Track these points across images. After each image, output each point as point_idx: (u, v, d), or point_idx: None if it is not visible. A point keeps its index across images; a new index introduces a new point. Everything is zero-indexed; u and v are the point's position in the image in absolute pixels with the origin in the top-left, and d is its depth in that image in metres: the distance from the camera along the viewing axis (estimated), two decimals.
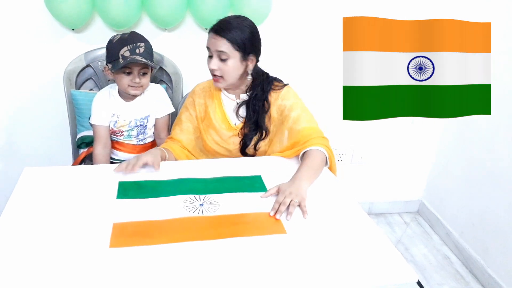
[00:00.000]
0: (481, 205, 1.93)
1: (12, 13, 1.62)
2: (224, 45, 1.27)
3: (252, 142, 1.41)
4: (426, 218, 2.37)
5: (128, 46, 1.35)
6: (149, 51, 1.40)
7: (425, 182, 2.38)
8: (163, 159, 1.33)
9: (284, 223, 1.03)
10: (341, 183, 1.27)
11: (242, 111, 1.42)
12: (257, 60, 1.37)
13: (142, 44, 1.38)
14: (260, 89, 1.38)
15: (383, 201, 2.40)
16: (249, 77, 1.37)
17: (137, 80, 1.39)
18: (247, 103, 1.40)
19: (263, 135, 1.41)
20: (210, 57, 1.32)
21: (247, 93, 1.41)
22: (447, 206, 2.20)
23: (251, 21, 1.33)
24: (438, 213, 2.27)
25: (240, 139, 1.42)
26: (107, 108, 1.47)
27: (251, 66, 1.35)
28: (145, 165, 1.24)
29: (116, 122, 1.47)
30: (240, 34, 1.27)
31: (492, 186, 1.86)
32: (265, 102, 1.40)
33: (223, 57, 1.28)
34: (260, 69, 1.42)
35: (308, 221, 1.05)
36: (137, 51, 1.36)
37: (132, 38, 1.37)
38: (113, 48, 1.37)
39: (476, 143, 1.96)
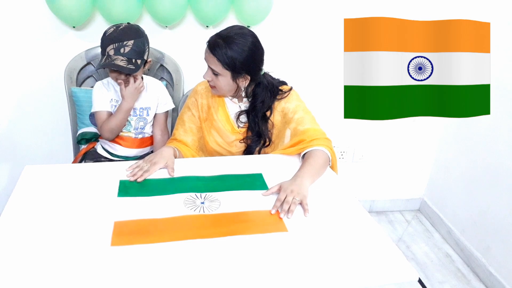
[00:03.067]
0: (483, 203, 1.92)
1: (13, 11, 1.62)
2: (214, 63, 1.26)
3: (256, 150, 1.42)
4: (427, 216, 2.37)
5: (114, 44, 1.34)
6: (137, 49, 1.37)
7: (427, 180, 2.38)
8: (175, 157, 1.32)
9: (285, 221, 1.03)
10: (342, 181, 1.26)
11: (243, 118, 1.42)
12: (254, 79, 1.33)
13: (130, 43, 1.35)
14: (261, 101, 1.36)
15: (385, 199, 2.40)
16: (242, 91, 1.35)
17: (123, 77, 1.40)
18: (247, 113, 1.39)
19: (266, 143, 1.41)
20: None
21: (249, 99, 1.40)
22: (448, 204, 2.20)
23: (252, 38, 1.27)
24: (440, 211, 2.26)
25: (243, 144, 1.42)
26: (107, 95, 1.48)
27: (244, 84, 1.33)
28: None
29: (115, 106, 1.48)
30: (232, 54, 1.23)
31: (493, 184, 1.85)
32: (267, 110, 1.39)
33: (215, 72, 1.29)
34: (265, 82, 1.36)
35: (309, 219, 1.05)
36: (122, 50, 1.34)
37: (121, 36, 1.35)
38: (103, 42, 1.37)
39: (477, 141, 1.95)
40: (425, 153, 2.29)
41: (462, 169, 2.08)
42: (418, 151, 2.28)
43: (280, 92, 1.39)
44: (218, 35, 1.26)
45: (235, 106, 1.42)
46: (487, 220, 1.89)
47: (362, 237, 0.99)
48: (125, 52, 1.34)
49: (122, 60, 1.34)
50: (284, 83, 1.44)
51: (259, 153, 1.42)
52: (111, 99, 1.48)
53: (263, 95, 1.36)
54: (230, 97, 1.42)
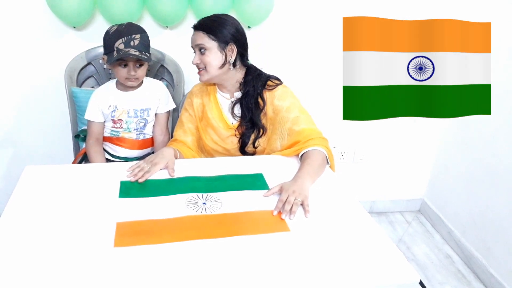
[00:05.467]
0: (483, 204, 1.92)
1: (14, 11, 1.62)
2: (200, 38, 1.31)
3: (250, 141, 1.41)
4: (428, 217, 2.37)
5: (123, 38, 1.35)
6: (144, 43, 1.40)
7: (427, 181, 2.38)
8: (176, 158, 1.33)
9: (287, 221, 1.03)
10: (343, 182, 1.26)
11: (237, 111, 1.42)
12: (241, 52, 1.35)
13: (138, 36, 1.37)
14: (251, 86, 1.38)
15: (385, 200, 2.40)
16: (231, 68, 1.35)
17: (133, 73, 1.40)
18: (240, 101, 1.40)
19: (261, 133, 1.41)
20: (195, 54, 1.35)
21: (241, 91, 1.41)
22: (449, 205, 2.20)
23: (230, 16, 1.35)
24: (440, 212, 2.26)
25: (237, 138, 1.42)
26: (104, 102, 1.47)
27: (232, 56, 1.34)
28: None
29: (114, 110, 1.48)
30: (215, 25, 1.31)
31: (494, 185, 1.85)
32: (260, 99, 1.39)
33: (202, 49, 1.31)
34: (252, 65, 1.42)
35: (311, 220, 1.05)
36: (132, 43, 1.36)
37: (128, 30, 1.37)
38: (108, 40, 1.37)
39: (478, 141, 1.95)
40: (425, 153, 2.29)
41: (462, 169, 2.08)
42: (418, 152, 2.28)
43: (269, 83, 1.40)
44: (199, 19, 1.34)
45: (227, 101, 1.43)
46: (488, 221, 1.89)
47: (363, 238, 0.99)
48: (135, 45, 1.36)
49: (135, 51, 1.35)
50: (276, 77, 1.44)
51: (253, 144, 1.41)
52: (109, 106, 1.47)
53: (253, 81, 1.38)
54: (222, 90, 1.42)
